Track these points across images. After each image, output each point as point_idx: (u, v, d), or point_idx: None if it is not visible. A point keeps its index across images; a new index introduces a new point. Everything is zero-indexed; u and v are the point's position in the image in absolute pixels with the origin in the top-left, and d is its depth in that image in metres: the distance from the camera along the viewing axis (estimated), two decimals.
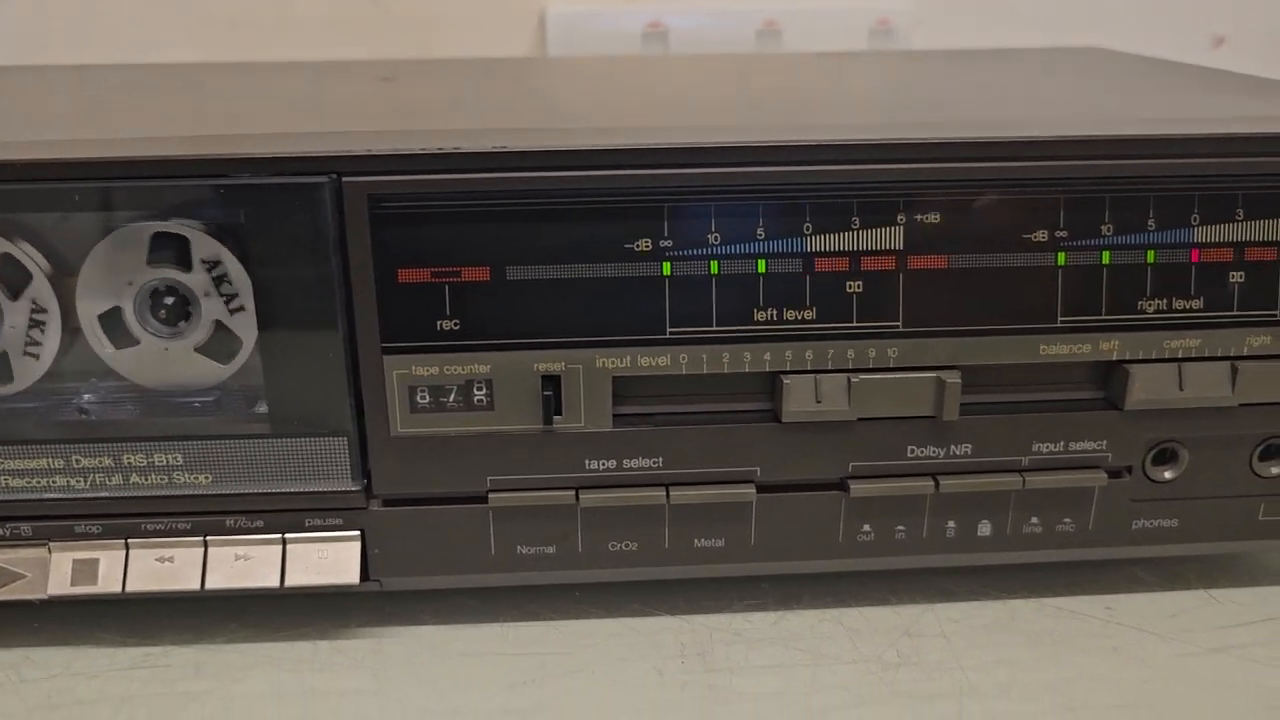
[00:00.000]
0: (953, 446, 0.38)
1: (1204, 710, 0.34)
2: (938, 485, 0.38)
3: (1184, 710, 0.34)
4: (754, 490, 0.38)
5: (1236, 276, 0.37)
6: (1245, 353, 0.37)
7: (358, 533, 0.37)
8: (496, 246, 0.35)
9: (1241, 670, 0.36)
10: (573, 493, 0.37)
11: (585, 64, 0.66)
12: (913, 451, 0.38)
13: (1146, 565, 0.42)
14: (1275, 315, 0.37)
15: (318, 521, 0.37)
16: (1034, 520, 0.39)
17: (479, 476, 0.37)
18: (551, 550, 0.38)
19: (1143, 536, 0.40)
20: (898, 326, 0.36)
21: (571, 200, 0.35)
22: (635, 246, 0.35)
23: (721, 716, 0.34)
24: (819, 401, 0.37)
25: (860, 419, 0.37)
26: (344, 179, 0.34)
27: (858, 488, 0.38)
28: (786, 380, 0.36)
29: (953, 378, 0.36)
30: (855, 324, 0.36)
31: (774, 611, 0.39)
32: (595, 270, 0.35)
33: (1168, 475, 0.39)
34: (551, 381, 0.36)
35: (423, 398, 0.36)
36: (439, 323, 0.35)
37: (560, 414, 0.36)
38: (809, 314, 0.36)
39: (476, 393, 0.36)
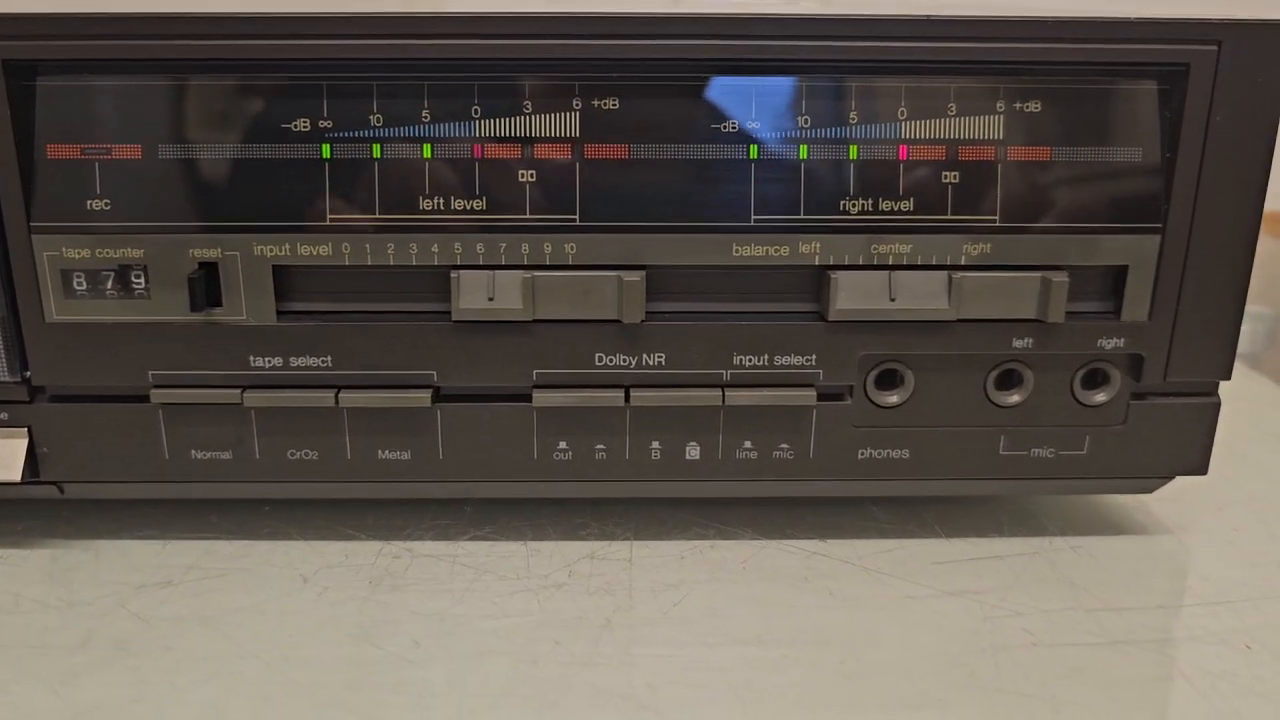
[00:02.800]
0: (644, 355, 0.35)
1: (870, 641, 0.31)
2: (628, 397, 0.35)
3: (854, 639, 0.31)
4: (430, 396, 0.35)
5: (950, 177, 0.34)
6: (963, 261, 0.34)
7: (24, 429, 0.36)
8: (148, 123, 0.33)
9: (931, 605, 0.33)
10: (238, 391, 0.35)
11: None
12: (601, 360, 0.35)
13: (885, 506, 0.38)
14: (994, 221, 0.34)
15: None
16: (747, 445, 0.36)
17: (140, 370, 0.35)
18: (227, 456, 0.36)
19: (871, 469, 0.36)
20: (574, 220, 0.34)
21: (225, 75, 0.33)
22: (293, 127, 0.33)
23: (343, 622, 0.32)
24: (491, 299, 0.34)
25: (539, 320, 0.34)
26: None
27: (541, 397, 0.35)
28: (455, 275, 0.34)
29: (633, 276, 0.34)
30: (529, 216, 0.34)
31: (461, 534, 0.37)
32: (251, 151, 0.33)
33: (893, 400, 0.36)
34: (210, 270, 0.34)
35: (79, 283, 0.34)
36: (89, 202, 0.34)
37: (221, 305, 0.34)
38: (479, 204, 0.34)
39: (134, 279, 0.34)
